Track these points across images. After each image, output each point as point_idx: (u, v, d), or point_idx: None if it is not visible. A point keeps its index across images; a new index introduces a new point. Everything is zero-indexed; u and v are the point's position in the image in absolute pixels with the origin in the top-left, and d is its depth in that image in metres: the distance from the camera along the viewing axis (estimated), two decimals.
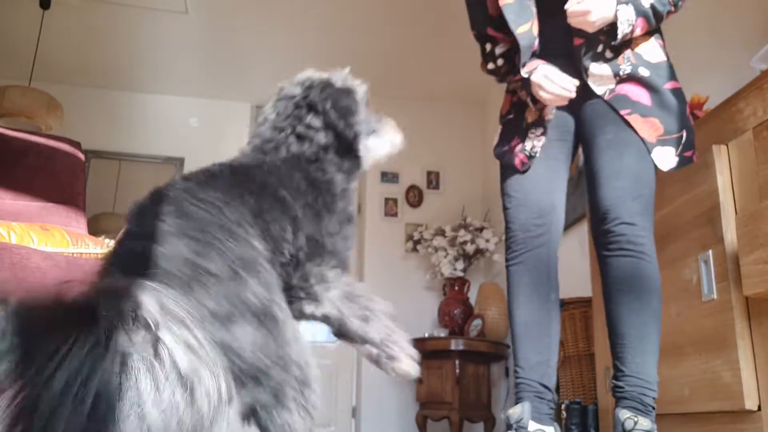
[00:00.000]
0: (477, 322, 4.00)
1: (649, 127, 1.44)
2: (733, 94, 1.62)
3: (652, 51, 1.51)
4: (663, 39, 1.55)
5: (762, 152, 1.49)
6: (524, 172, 1.57)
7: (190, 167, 4.92)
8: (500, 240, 4.23)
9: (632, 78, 1.47)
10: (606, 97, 1.47)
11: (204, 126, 5.05)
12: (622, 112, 1.45)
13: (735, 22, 2.33)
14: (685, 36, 2.62)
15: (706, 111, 1.98)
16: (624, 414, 1.35)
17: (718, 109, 1.68)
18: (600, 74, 1.48)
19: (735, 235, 1.50)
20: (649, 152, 1.43)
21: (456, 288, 4.18)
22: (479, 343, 3.83)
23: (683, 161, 1.45)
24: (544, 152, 1.56)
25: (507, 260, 1.59)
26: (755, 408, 1.44)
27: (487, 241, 4.20)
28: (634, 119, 1.44)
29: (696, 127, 1.76)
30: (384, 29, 4.17)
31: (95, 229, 3.66)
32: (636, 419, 1.33)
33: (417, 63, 4.51)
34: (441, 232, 4.31)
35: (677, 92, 1.48)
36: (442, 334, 4.00)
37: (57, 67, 4.57)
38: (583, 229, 3.11)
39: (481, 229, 4.27)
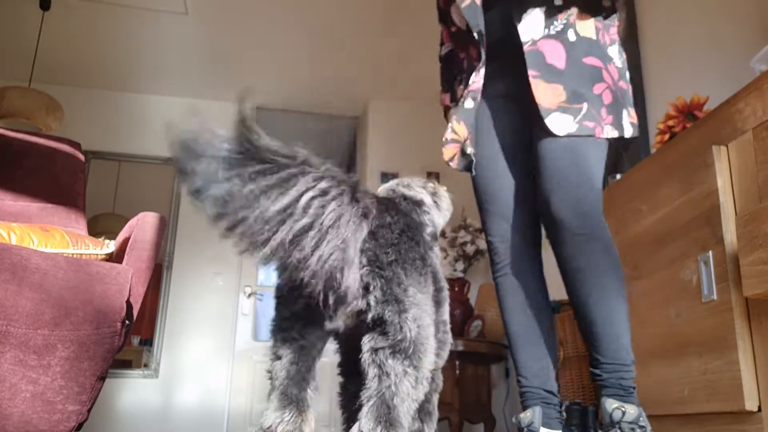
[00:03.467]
0: (477, 323, 4.00)
1: (551, 93, 1.43)
2: (732, 95, 1.62)
3: (586, 26, 1.49)
4: (602, 24, 1.51)
5: (762, 153, 1.49)
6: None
7: None
8: None
9: (558, 37, 1.46)
10: (526, 48, 1.46)
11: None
12: (531, 72, 1.44)
13: (735, 23, 2.34)
14: (685, 37, 2.62)
15: (706, 111, 1.98)
16: (611, 404, 1.35)
17: (717, 109, 1.68)
18: (532, 20, 1.47)
19: (735, 235, 1.50)
20: (543, 118, 1.41)
21: (456, 289, 4.18)
22: (479, 343, 3.83)
23: (584, 128, 1.42)
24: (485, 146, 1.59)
25: (493, 273, 1.60)
26: (755, 409, 1.44)
27: None
28: (536, 84, 1.43)
29: (695, 128, 1.77)
30: (385, 29, 4.17)
31: (95, 229, 3.66)
32: (624, 409, 1.33)
33: (418, 63, 4.50)
34: (441, 233, 4.31)
35: (594, 70, 1.46)
36: None
37: (57, 68, 4.57)
38: None
39: (481, 230, 4.27)
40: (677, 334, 1.71)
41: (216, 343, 4.66)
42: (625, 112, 1.49)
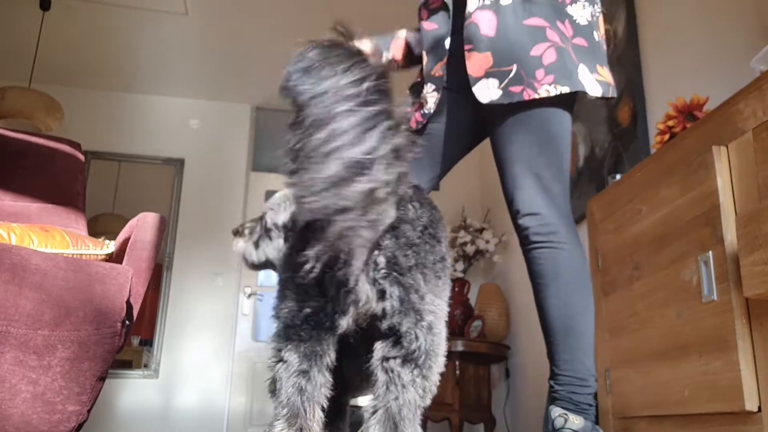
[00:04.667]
0: (477, 323, 3.99)
1: (480, 62, 1.39)
2: (732, 95, 1.61)
3: None
4: None
5: (761, 153, 1.49)
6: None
7: (190, 168, 4.93)
8: (500, 241, 4.22)
9: (491, 7, 1.42)
10: (465, 24, 1.43)
11: (204, 127, 5.06)
12: (466, 47, 1.41)
13: (735, 23, 2.34)
14: (685, 37, 2.62)
15: (706, 112, 1.98)
16: (555, 412, 1.31)
17: (717, 110, 1.68)
18: None
19: (735, 236, 1.50)
20: (471, 86, 1.37)
21: (456, 289, 4.18)
22: (479, 344, 3.83)
23: (508, 95, 1.36)
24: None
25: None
26: (755, 409, 1.44)
27: (487, 242, 4.20)
28: (470, 56, 1.39)
29: (695, 128, 1.77)
30: (385, 29, 4.17)
31: (95, 230, 3.66)
32: (566, 417, 1.29)
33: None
34: None
35: (535, 30, 1.40)
36: None
37: (57, 68, 4.57)
38: (582, 230, 3.11)
39: (480, 230, 4.27)
40: (677, 334, 1.71)
41: (216, 343, 4.66)
42: (583, 68, 1.42)
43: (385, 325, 0.97)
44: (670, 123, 2.09)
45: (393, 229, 0.96)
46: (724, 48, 2.37)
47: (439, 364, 1.01)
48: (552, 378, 1.37)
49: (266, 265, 1.40)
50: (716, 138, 1.65)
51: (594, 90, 1.42)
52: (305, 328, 0.99)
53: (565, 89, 1.38)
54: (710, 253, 1.59)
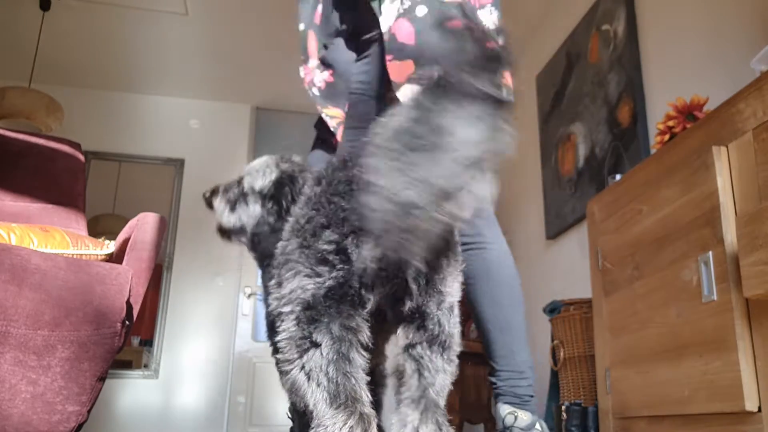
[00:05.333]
0: None
1: (402, 69, 1.40)
2: (732, 96, 1.62)
3: None
4: None
5: (762, 153, 1.49)
6: None
7: (190, 168, 4.93)
8: None
9: (406, 15, 1.43)
10: (385, 38, 1.43)
11: (204, 127, 5.06)
12: (387, 57, 1.42)
13: (735, 24, 2.34)
14: (685, 37, 2.62)
15: (706, 112, 1.98)
16: (504, 409, 1.35)
17: (717, 110, 1.68)
18: (387, 6, 1.44)
19: (735, 236, 1.50)
20: (395, 91, 1.38)
21: None
22: (479, 344, 3.82)
23: None
24: None
25: None
26: (755, 409, 1.44)
27: None
28: (392, 66, 1.40)
29: (696, 128, 1.77)
30: None
31: (95, 230, 3.66)
32: (516, 414, 1.32)
33: None
34: None
35: (455, 30, 1.44)
36: None
37: (57, 69, 4.57)
38: (582, 230, 3.11)
39: None
40: (677, 334, 1.71)
41: (216, 343, 4.66)
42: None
43: (408, 306, 0.91)
44: (671, 123, 2.09)
45: None
46: (724, 48, 2.37)
47: (459, 345, 0.98)
48: (492, 374, 1.40)
49: (237, 232, 1.34)
50: (716, 138, 1.65)
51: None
52: (331, 304, 0.86)
53: None
54: (710, 253, 1.59)
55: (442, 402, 0.94)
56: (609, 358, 2.06)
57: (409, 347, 0.93)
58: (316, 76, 1.57)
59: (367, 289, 0.87)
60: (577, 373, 2.58)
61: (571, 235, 3.41)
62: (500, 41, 1.46)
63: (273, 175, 1.30)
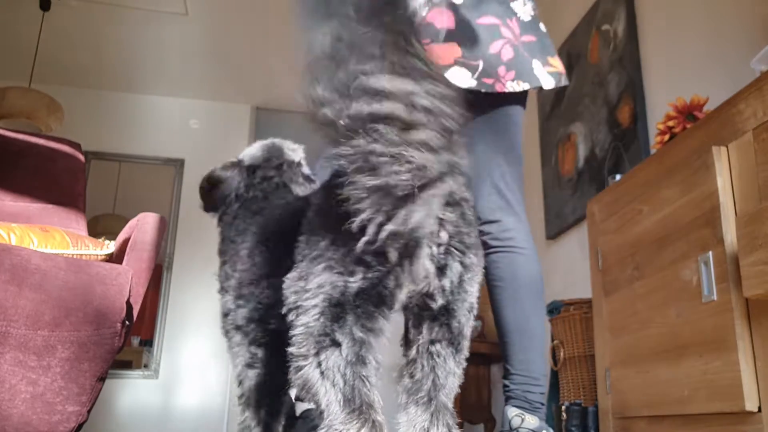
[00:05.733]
0: (477, 323, 3.99)
1: (445, 51, 1.39)
2: (733, 96, 1.61)
3: None
4: None
5: (762, 154, 1.49)
6: None
7: (190, 169, 4.93)
8: None
9: (442, 4, 1.43)
10: (417, 24, 1.43)
11: (204, 127, 5.06)
12: (424, 41, 1.42)
13: (735, 24, 2.33)
14: (685, 37, 2.62)
15: (706, 112, 1.98)
16: (512, 411, 1.35)
17: (717, 110, 1.68)
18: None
19: (735, 236, 1.50)
20: (443, 74, 1.38)
21: None
22: (479, 344, 3.83)
23: (483, 85, 1.38)
24: None
25: None
26: (755, 409, 1.44)
27: None
28: (430, 48, 1.39)
29: (696, 128, 1.77)
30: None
31: (95, 230, 3.66)
32: (523, 416, 1.32)
33: None
34: None
35: (490, 28, 1.43)
36: None
37: (57, 69, 4.57)
38: (582, 230, 3.11)
39: None
40: (677, 334, 1.71)
41: (216, 343, 4.65)
42: (536, 63, 1.46)
43: (438, 304, 0.89)
44: (671, 123, 2.09)
45: (455, 204, 0.87)
46: (724, 48, 2.37)
47: (468, 350, 0.97)
48: (506, 377, 1.40)
49: (221, 201, 1.36)
50: (716, 138, 1.65)
51: (548, 83, 1.46)
52: (360, 304, 0.82)
53: (526, 86, 1.42)
54: (710, 253, 1.59)
55: (450, 405, 0.94)
56: (609, 358, 2.06)
57: (430, 344, 0.91)
58: None
59: (400, 287, 0.84)
60: (577, 373, 2.58)
61: (571, 235, 3.40)
62: (541, 28, 1.46)
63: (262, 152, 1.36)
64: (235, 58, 4.52)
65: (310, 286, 0.84)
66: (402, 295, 0.86)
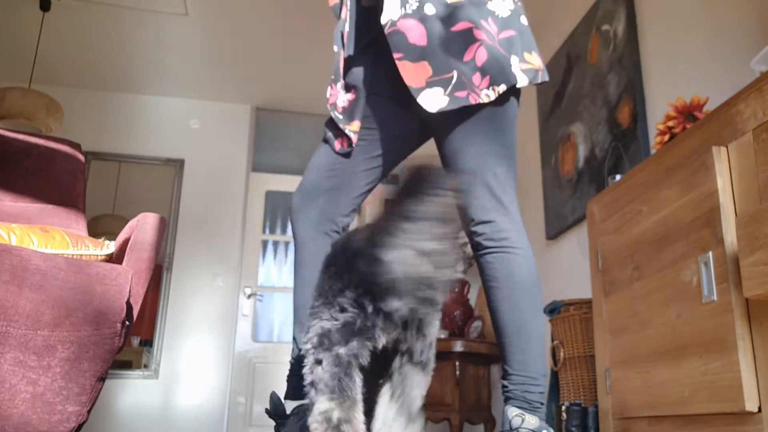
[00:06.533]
0: (477, 323, 3.99)
1: (418, 72, 1.39)
2: (732, 96, 1.62)
3: None
4: None
5: (762, 154, 1.49)
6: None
7: (190, 169, 4.93)
8: None
9: (415, 16, 1.42)
10: (386, 30, 1.42)
11: (204, 128, 5.06)
12: (395, 55, 1.41)
13: (735, 24, 2.34)
14: (685, 37, 2.62)
15: (706, 112, 1.98)
16: (512, 411, 1.34)
17: (717, 110, 1.68)
18: (390, 1, 1.44)
19: (735, 236, 1.50)
20: (415, 97, 1.38)
21: (456, 289, 4.18)
22: (479, 344, 3.83)
23: (456, 101, 1.38)
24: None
25: None
26: (755, 409, 1.44)
27: None
28: (403, 66, 1.39)
29: (695, 129, 1.77)
30: None
31: (95, 230, 3.66)
32: (523, 417, 1.32)
33: None
34: None
35: (463, 34, 1.42)
36: (442, 336, 4.00)
37: (57, 69, 4.57)
38: (582, 231, 3.11)
39: None
40: (677, 335, 1.71)
41: (216, 343, 4.66)
42: (514, 59, 1.45)
43: (404, 348, 1.08)
44: (670, 124, 2.09)
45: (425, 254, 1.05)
46: (724, 48, 2.37)
47: (433, 367, 1.15)
48: (505, 378, 1.39)
49: None
50: (716, 139, 1.65)
51: (522, 81, 1.44)
52: (343, 334, 1.05)
53: (502, 88, 1.41)
54: (710, 253, 1.59)
55: (414, 408, 1.11)
56: (609, 358, 2.06)
57: (400, 366, 1.09)
58: (339, 98, 1.57)
59: (381, 331, 1.04)
60: (577, 373, 2.58)
61: (571, 236, 3.41)
62: (522, 21, 1.48)
63: None
64: (235, 58, 4.52)
65: (309, 335, 1.08)
66: (385, 337, 1.05)
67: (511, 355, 1.38)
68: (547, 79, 1.51)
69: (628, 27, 2.98)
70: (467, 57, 1.41)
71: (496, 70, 1.41)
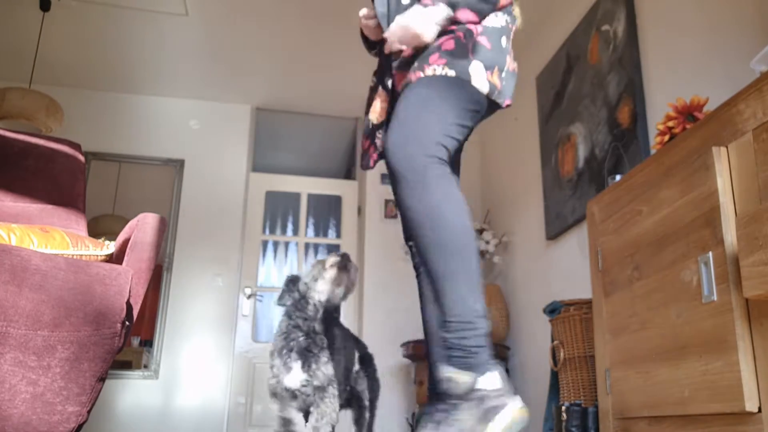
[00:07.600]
0: None
1: (399, 80, 1.55)
2: (732, 96, 1.62)
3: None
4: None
5: (762, 154, 1.49)
6: None
7: (190, 169, 4.93)
8: (500, 242, 4.22)
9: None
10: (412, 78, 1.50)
11: (204, 128, 5.06)
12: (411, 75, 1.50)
13: (735, 24, 2.34)
14: (685, 37, 2.62)
15: (706, 113, 1.98)
16: (443, 371, 1.29)
17: (717, 110, 1.68)
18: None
19: (735, 236, 1.50)
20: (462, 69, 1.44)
21: None
22: None
23: (408, 83, 1.49)
24: None
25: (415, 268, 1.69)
26: (755, 410, 1.44)
27: (487, 242, 4.20)
28: (414, 67, 1.49)
29: (695, 129, 1.77)
30: None
31: (95, 230, 3.66)
32: (453, 377, 1.27)
33: None
34: None
35: (446, 34, 1.51)
36: None
37: (57, 69, 4.58)
38: (582, 231, 3.11)
39: (480, 231, 4.27)
40: (677, 335, 1.71)
41: (216, 344, 4.66)
42: (477, 64, 1.47)
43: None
44: (670, 124, 2.09)
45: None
46: (724, 48, 2.37)
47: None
48: (442, 327, 1.32)
49: None
50: (716, 139, 1.65)
51: (482, 85, 1.46)
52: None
53: (451, 73, 1.44)
54: (710, 253, 1.59)
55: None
56: (609, 358, 2.06)
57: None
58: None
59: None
60: (577, 373, 2.58)
61: (571, 236, 3.41)
62: (502, 42, 1.53)
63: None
64: (235, 58, 4.53)
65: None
66: None
67: (445, 302, 1.31)
68: (503, 104, 1.53)
69: (628, 27, 2.98)
70: (436, 43, 1.50)
71: (459, 60, 1.46)
